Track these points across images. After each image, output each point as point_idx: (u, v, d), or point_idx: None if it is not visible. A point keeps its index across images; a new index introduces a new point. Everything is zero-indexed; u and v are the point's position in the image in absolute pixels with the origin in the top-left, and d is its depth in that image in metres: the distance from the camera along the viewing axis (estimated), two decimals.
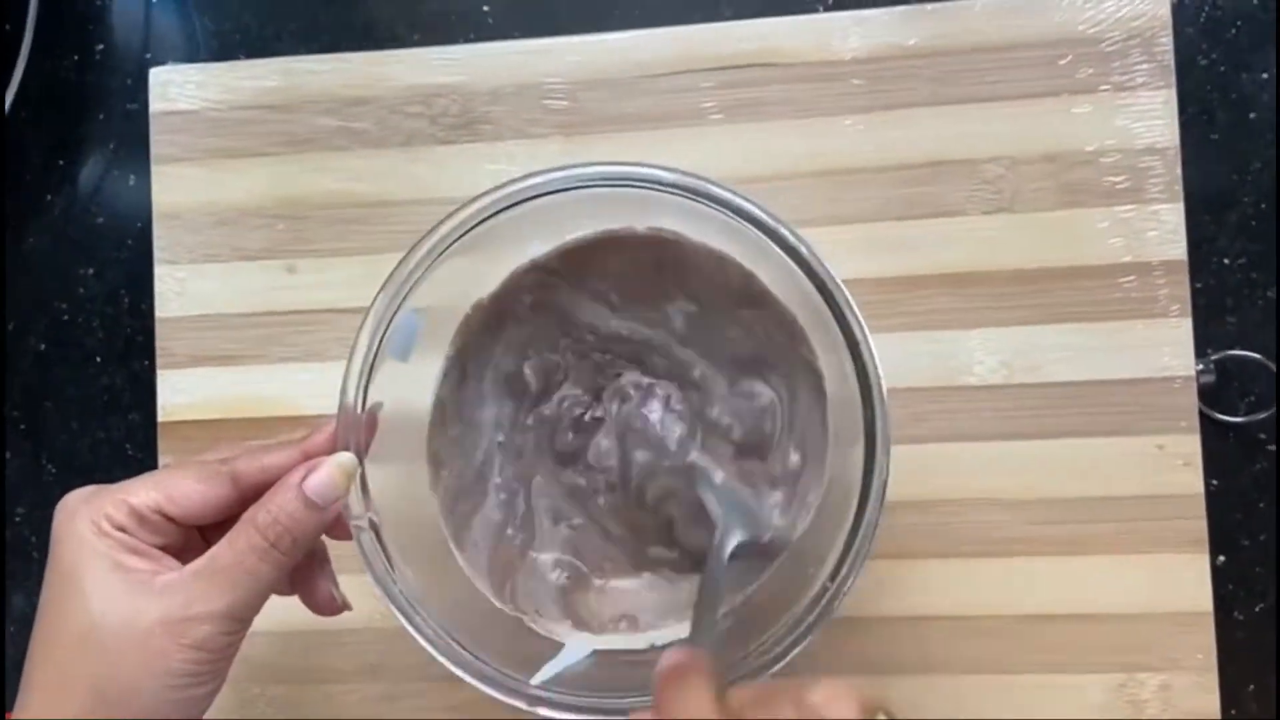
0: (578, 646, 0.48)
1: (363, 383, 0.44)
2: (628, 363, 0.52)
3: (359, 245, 0.57)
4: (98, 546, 0.39)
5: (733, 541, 0.46)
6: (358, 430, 0.43)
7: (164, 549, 0.40)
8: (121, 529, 0.39)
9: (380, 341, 0.44)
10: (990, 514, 0.53)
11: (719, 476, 0.50)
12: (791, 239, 0.42)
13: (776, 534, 0.49)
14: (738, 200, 0.43)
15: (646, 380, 0.52)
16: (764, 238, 0.43)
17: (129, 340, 0.60)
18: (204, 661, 0.39)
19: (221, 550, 0.40)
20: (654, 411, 0.51)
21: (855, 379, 0.42)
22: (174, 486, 0.40)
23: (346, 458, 0.42)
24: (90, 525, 0.39)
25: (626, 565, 0.52)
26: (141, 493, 0.40)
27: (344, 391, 0.43)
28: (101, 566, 0.38)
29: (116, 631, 0.38)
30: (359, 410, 0.43)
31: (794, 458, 0.50)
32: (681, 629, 0.49)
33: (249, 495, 0.41)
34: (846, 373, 0.42)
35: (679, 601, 0.51)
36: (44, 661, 0.39)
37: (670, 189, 0.43)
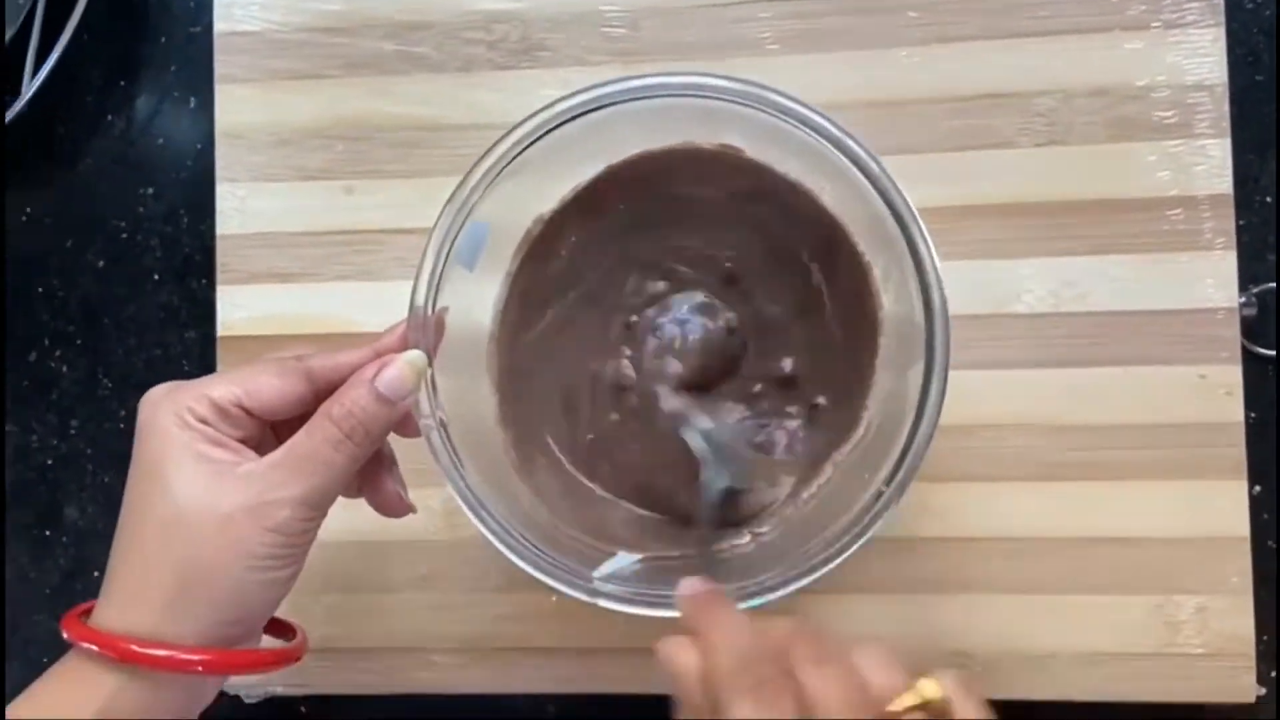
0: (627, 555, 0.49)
1: (432, 287, 0.45)
2: (685, 280, 0.53)
3: (416, 168, 0.58)
4: (180, 438, 0.40)
5: (717, 485, 0.48)
6: (427, 332, 0.44)
7: (243, 442, 0.41)
8: (203, 421, 0.40)
9: (449, 250, 0.45)
10: (1034, 439, 0.54)
11: (704, 422, 0.51)
12: (862, 153, 0.43)
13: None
14: (807, 112, 0.44)
15: (698, 298, 0.53)
16: (834, 151, 0.44)
17: (187, 259, 0.61)
18: (282, 545, 0.40)
19: (299, 440, 0.41)
20: (694, 329, 0.52)
21: (919, 295, 0.43)
22: (252, 381, 0.42)
23: (417, 355, 0.43)
24: (173, 418, 0.40)
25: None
26: (222, 387, 0.41)
27: (414, 294, 0.44)
28: (185, 457, 0.40)
29: (199, 517, 0.39)
30: (428, 313, 0.44)
31: (821, 400, 0.51)
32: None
33: (323, 391, 0.43)
34: (910, 294, 0.43)
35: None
36: (129, 549, 0.40)
37: (738, 98, 0.44)
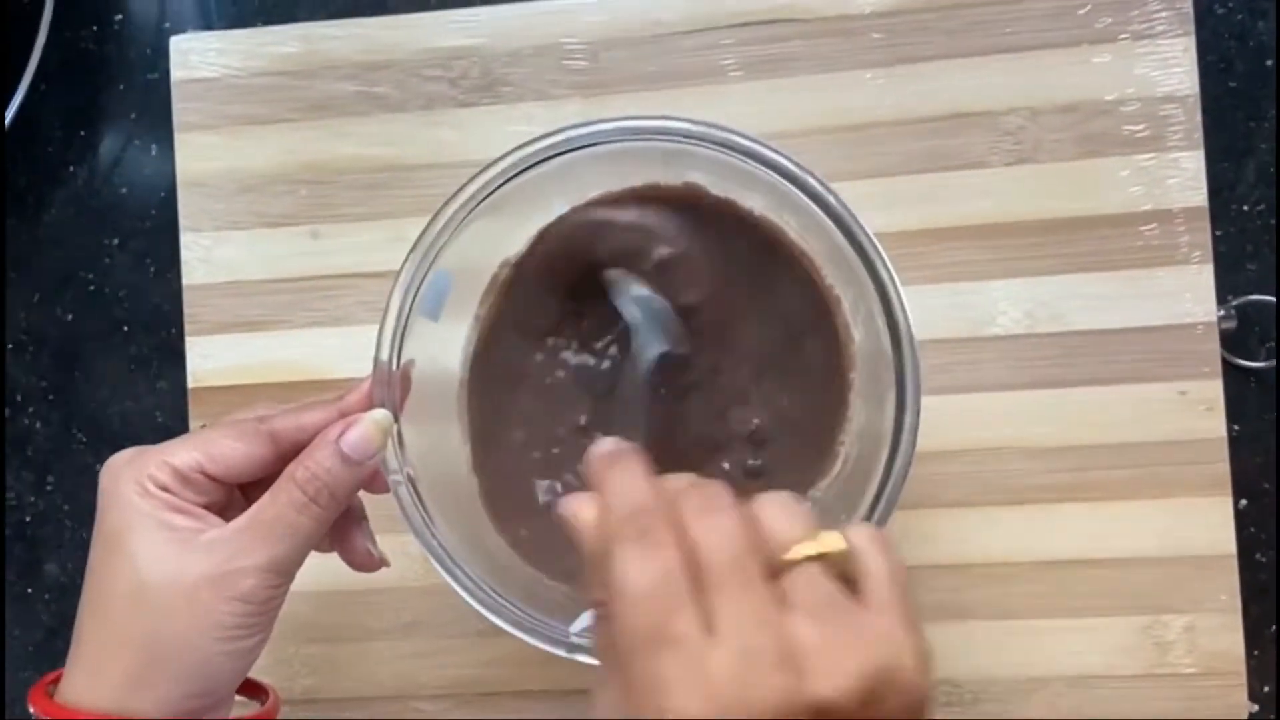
0: None
1: (396, 341, 0.44)
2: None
3: (381, 209, 0.57)
4: (142, 507, 0.40)
5: (651, 352, 0.47)
6: (392, 387, 0.44)
7: (206, 507, 0.41)
8: (165, 489, 0.40)
9: (412, 301, 0.44)
10: (1015, 462, 0.53)
11: (636, 288, 0.49)
12: (819, 187, 0.43)
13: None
14: (765, 151, 0.43)
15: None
16: (792, 188, 0.43)
17: (156, 309, 0.60)
18: (249, 614, 0.40)
19: (263, 505, 0.40)
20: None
21: (886, 329, 0.43)
22: (214, 446, 0.41)
23: (382, 414, 0.43)
24: (135, 486, 0.40)
25: None
26: (183, 453, 0.41)
27: (378, 349, 0.44)
28: (147, 526, 0.39)
29: (163, 588, 0.39)
30: (393, 368, 0.44)
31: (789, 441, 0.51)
32: None
33: (287, 453, 0.42)
34: (878, 325, 0.43)
35: None
36: (94, 622, 0.40)
37: (697, 141, 0.43)
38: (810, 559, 0.32)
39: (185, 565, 0.39)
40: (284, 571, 0.41)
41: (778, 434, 0.50)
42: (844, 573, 0.33)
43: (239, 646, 0.40)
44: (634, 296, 0.48)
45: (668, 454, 0.45)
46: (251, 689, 0.46)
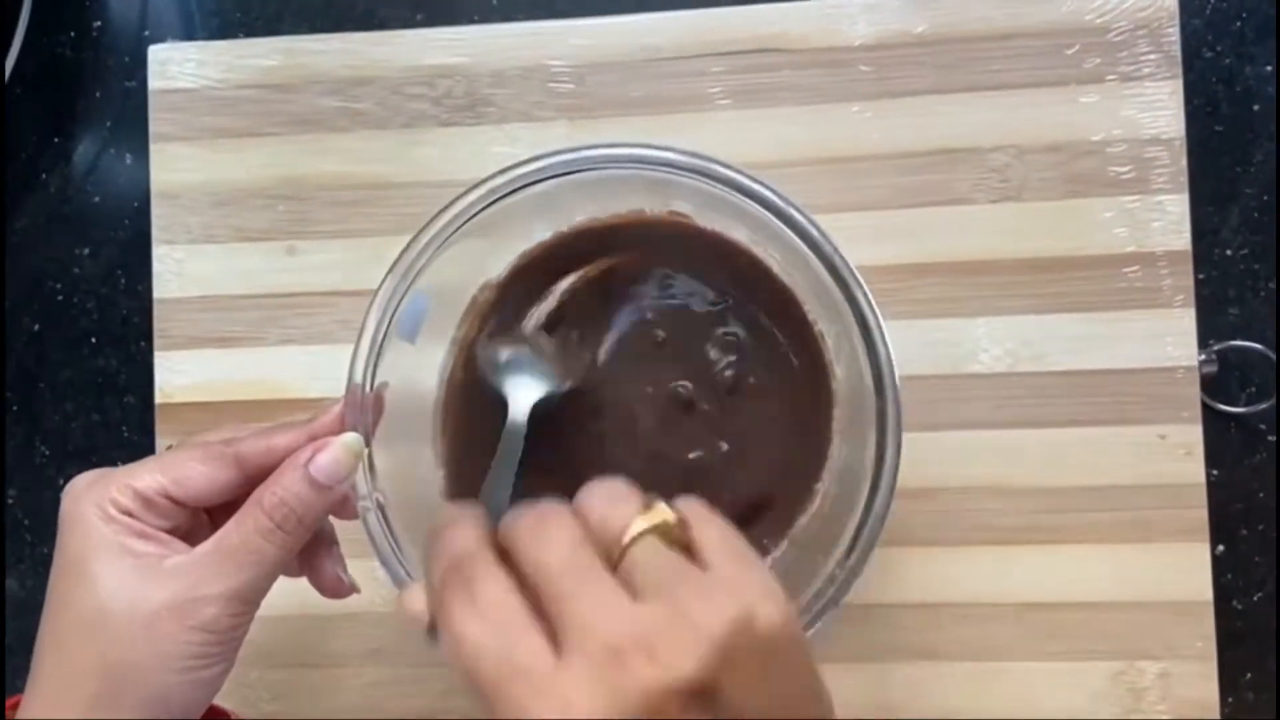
0: None
1: (371, 363, 0.43)
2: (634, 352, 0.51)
3: (360, 227, 0.56)
4: (104, 532, 0.38)
5: (528, 399, 0.46)
6: (365, 411, 0.43)
7: (171, 532, 0.40)
8: (128, 513, 0.39)
9: (389, 323, 0.43)
10: (993, 502, 0.53)
11: (504, 354, 0.49)
12: (803, 221, 0.42)
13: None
14: (749, 182, 0.42)
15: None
16: (775, 220, 0.42)
17: (125, 321, 0.59)
18: (211, 643, 0.38)
19: (228, 532, 0.39)
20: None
21: (868, 365, 0.42)
22: (179, 469, 0.40)
23: (353, 438, 0.42)
24: (96, 511, 0.39)
25: None
26: (146, 476, 0.40)
27: (351, 371, 0.43)
28: (108, 552, 0.38)
29: (124, 616, 0.38)
30: (366, 390, 0.43)
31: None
32: None
33: (254, 477, 0.41)
34: (860, 361, 0.42)
35: None
36: (53, 649, 0.39)
37: (682, 171, 0.43)
38: (643, 534, 0.32)
39: (146, 592, 0.38)
40: (248, 600, 0.39)
41: (756, 468, 0.49)
42: (680, 544, 0.32)
43: (201, 676, 0.39)
44: (501, 363, 0.48)
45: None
46: (214, 714, 0.45)
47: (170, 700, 0.38)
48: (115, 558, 0.38)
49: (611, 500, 0.33)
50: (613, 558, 0.31)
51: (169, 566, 0.38)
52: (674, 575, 0.31)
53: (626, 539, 0.31)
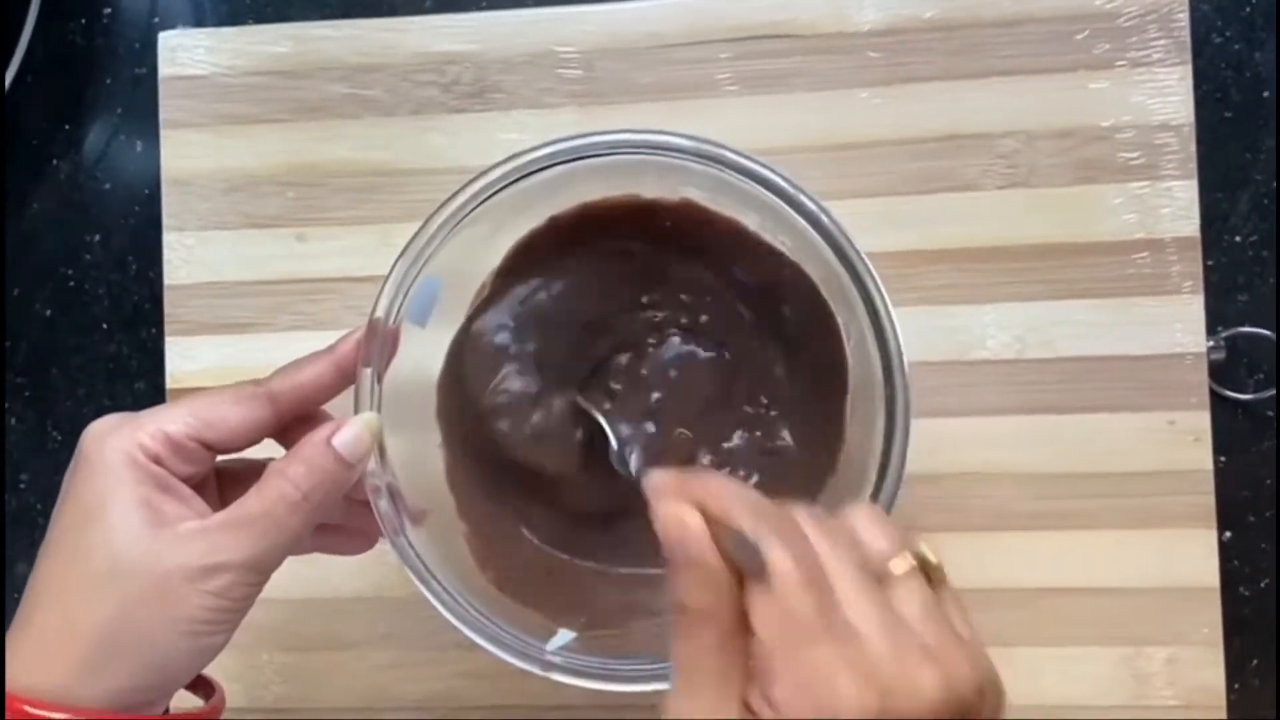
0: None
1: (398, 300, 0.43)
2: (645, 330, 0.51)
3: (370, 214, 0.57)
4: (127, 479, 0.37)
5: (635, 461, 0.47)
6: (384, 345, 0.43)
7: (192, 481, 0.39)
8: (156, 459, 0.38)
9: (400, 304, 0.44)
10: (1001, 488, 0.53)
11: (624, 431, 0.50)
12: (813, 207, 0.42)
13: None
14: (759, 168, 0.43)
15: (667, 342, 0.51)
16: (786, 207, 0.43)
17: (136, 307, 0.60)
18: (222, 610, 0.38)
19: (250, 500, 0.39)
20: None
21: (877, 352, 0.42)
22: (211, 411, 0.40)
23: (371, 416, 0.42)
24: (122, 455, 0.38)
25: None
26: (178, 420, 0.39)
27: (376, 304, 0.43)
28: (128, 502, 0.37)
29: (135, 574, 0.37)
30: (388, 325, 0.43)
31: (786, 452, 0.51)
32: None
33: (286, 415, 0.41)
34: (869, 348, 0.42)
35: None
36: (51, 596, 0.38)
37: (692, 157, 0.43)
38: (910, 570, 0.33)
39: (162, 552, 0.37)
40: (264, 570, 0.39)
41: (776, 452, 0.50)
42: (934, 581, 0.34)
43: (204, 643, 0.38)
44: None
45: None
46: (195, 683, 0.44)
47: (168, 665, 0.38)
48: (133, 509, 0.37)
49: (881, 526, 0.34)
50: (877, 579, 0.33)
51: (186, 529, 0.38)
52: (935, 620, 0.32)
53: (895, 569, 0.33)
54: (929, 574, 0.34)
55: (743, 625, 0.33)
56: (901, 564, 0.33)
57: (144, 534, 0.37)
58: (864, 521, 0.34)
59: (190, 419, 0.39)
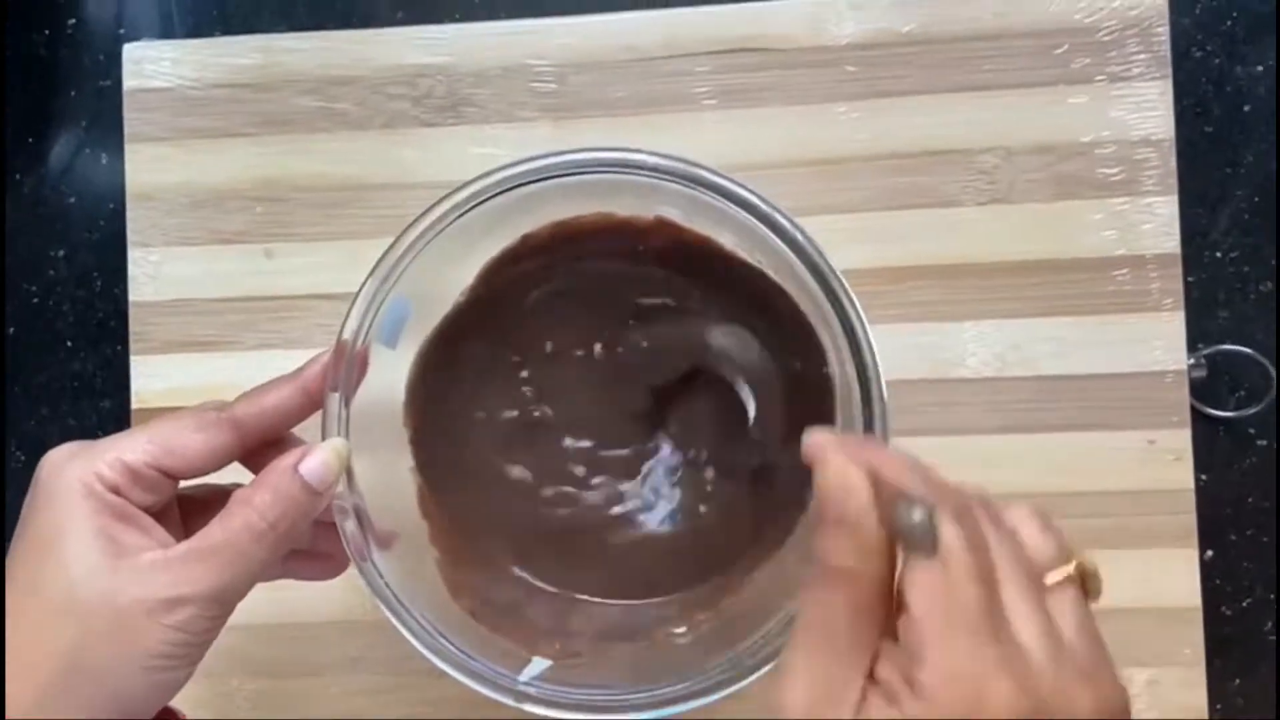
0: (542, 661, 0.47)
1: (366, 320, 0.42)
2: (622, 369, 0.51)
3: (339, 229, 0.55)
4: (83, 509, 0.36)
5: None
6: (350, 368, 0.41)
7: (153, 509, 0.38)
8: (115, 489, 0.37)
9: (370, 325, 0.43)
10: None
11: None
12: (789, 228, 0.41)
13: None
14: (735, 188, 0.42)
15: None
16: (761, 226, 0.42)
17: (101, 324, 0.58)
18: (183, 644, 0.37)
19: (213, 530, 0.38)
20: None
21: (854, 373, 0.41)
22: (172, 438, 0.38)
23: (339, 442, 0.41)
24: (79, 485, 0.37)
25: None
26: (136, 447, 0.38)
27: (344, 324, 0.42)
28: (85, 533, 0.36)
29: (92, 607, 0.36)
30: (355, 347, 0.42)
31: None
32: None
33: (250, 441, 0.40)
34: (847, 372, 0.42)
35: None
36: (9, 631, 0.36)
37: (667, 176, 0.42)
38: (1068, 580, 0.32)
39: (121, 584, 0.36)
40: (227, 602, 0.38)
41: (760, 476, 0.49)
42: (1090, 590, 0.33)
43: (164, 678, 0.37)
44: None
45: None
46: (164, 714, 0.42)
47: (125, 700, 0.37)
48: (91, 540, 0.36)
49: (1045, 530, 0.34)
50: (1035, 580, 0.32)
51: (148, 561, 0.36)
52: (1091, 636, 0.32)
53: (1054, 578, 0.32)
54: (1086, 586, 0.33)
55: (884, 598, 0.32)
56: (1061, 573, 0.32)
57: (102, 566, 0.36)
58: (1028, 521, 0.34)
59: (149, 446, 0.38)
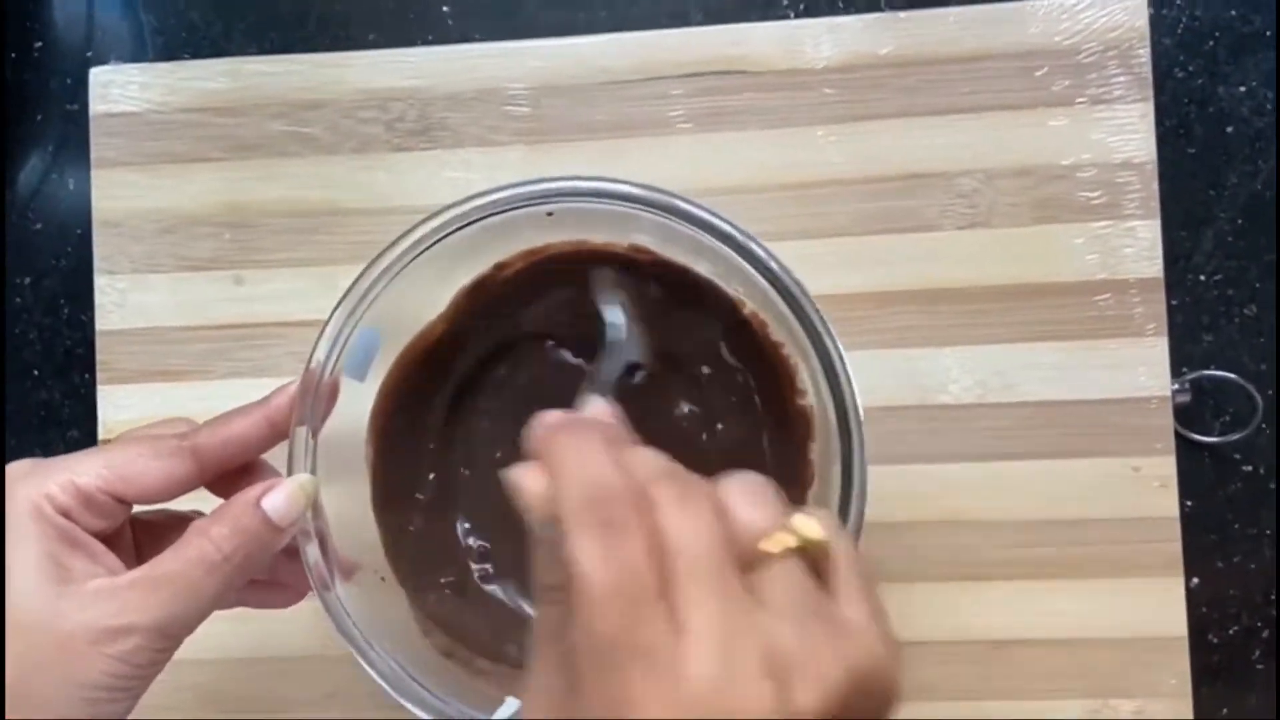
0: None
1: (335, 348, 0.41)
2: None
3: (310, 256, 0.54)
4: (32, 532, 0.36)
5: (622, 359, 0.45)
6: (318, 399, 0.41)
7: (104, 534, 0.37)
8: (65, 512, 0.36)
9: (337, 357, 0.42)
10: (962, 536, 0.51)
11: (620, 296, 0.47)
12: (765, 258, 0.41)
13: None
14: (705, 215, 0.41)
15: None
16: (736, 257, 0.41)
17: (68, 353, 0.57)
18: (125, 676, 0.36)
19: (166, 559, 0.37)
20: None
21: (831, 404, 0.41)
22: (128, 465, 0.37)
23: (307, 479, 0.40)
24: (28, 505, 0.36)
25: None
26: (91, 471, 0.37)
27: (313, 353, 0.41)
28: (32, 556, 0.35)
29: (34, 633, 0.35)
30: (323, 377, 0.41)
31: None
32: None
33: (210, 471, 0.39)
34: (824, 401, 0.41)
35: None
36: None
37: (641, 205, 0.41)
38: (787, 551, 0.29)
39: (65, 610, 0.35)
40: (173, 635, 0.37)
41: None
42: (813, 562, 0.30)
43: (104, 710, 0.36)
44: (620, 303, 0.46)
45: None
46: None
47: None
48: (37, 564, 0.35)
49: (758, 501, 0.30)
50: (745, 560, 0.29)
51: (93, 588, 0.36)
52: (808, 605, 0.28)
53: (769, 548, 0.29)
54: (815, 552, 0.29)
55: None
56: (777, 542, 0.29)
57: (46, 591, 0.35)
58: (738, 494, 0.30)
59: (104, 471, 0.37)
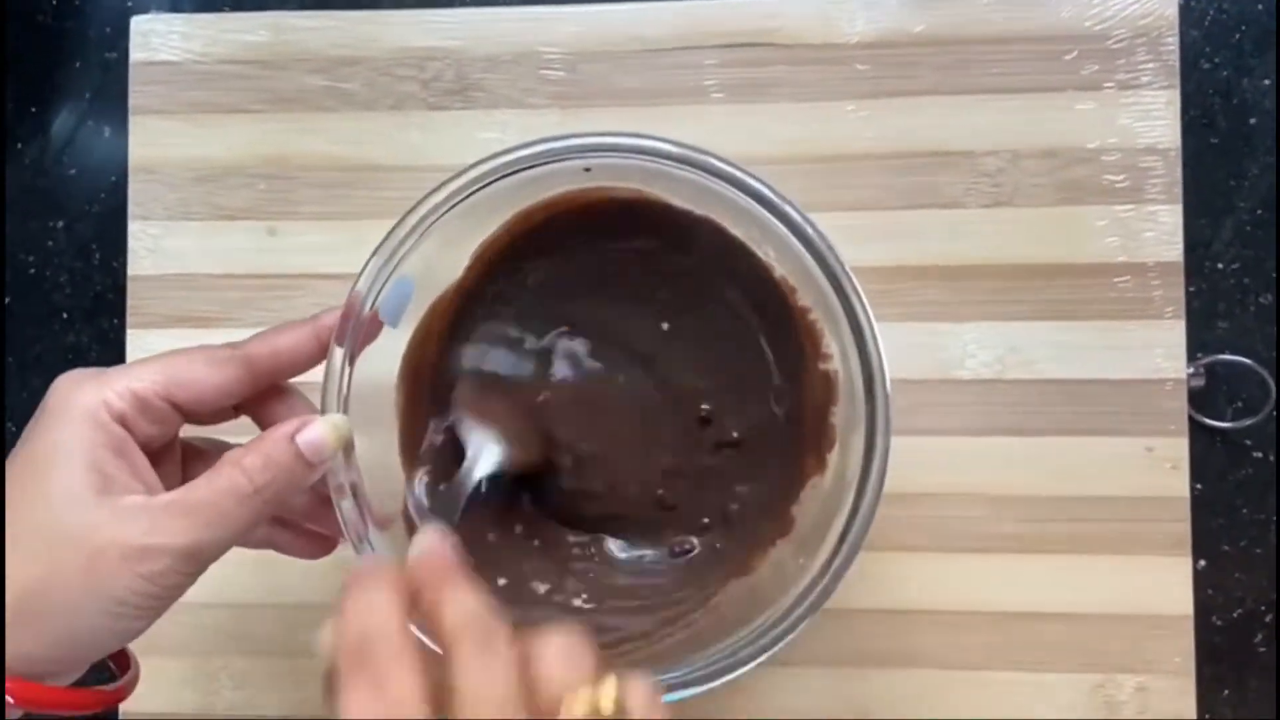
0: None
1: (382, 277, 0.42)
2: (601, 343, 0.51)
3: (344, 210, 0.55)
4: (84, 436, 0.36)
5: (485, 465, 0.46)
6: (359, 325, 0.41)
7: (153, 445, 0.38)
8: (121, 418, 0.37)
9: (373, 302, 0.42)
10: (975, 509, 0.52)
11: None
12: (799, 219, 0.41)
13: None
14: (743, 176, 0.42)
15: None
16: (771, 218, 0.42)
17: (98, 297, 0.58)
18: (150, 595, 0.36)
19: (199, 486, 0.37)
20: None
21: (859, 368, 0.41)
22: (184, 370, 0.38)
23: (340, 419, 0.40)
24: (83, 410, 0.36)
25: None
26: (146, 377, 0.37)
27: (358, 279, 0.41)
28: (79, 462, 0.36)
29: (69, 540, 0.35)
30: (367, 303, 0.41)
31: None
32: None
33: (261, 380, 0.40)
34: (851, 367, 0.42)
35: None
36: None
37: (672, 161, 0.42)
38: (593, 710, 0.29)
39: (100, 523, 0.35)
40: (202, 560, 0.37)
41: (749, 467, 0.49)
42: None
43: (125, 626, 0.36)
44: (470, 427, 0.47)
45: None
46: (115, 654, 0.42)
47: (83, 640, 0.36)
48: (81, 472, 0.35)
49: (566, 661, 0.31)
50: (540, 713, 0.29)
51: (129, 504, 0.36)
52: None
53: (566, 714, 0.29)
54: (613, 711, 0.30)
55: None
56: (571, 710, 0.29)
57: (85, 500, 0.35)
58: (549, 649, 0.31)
59: (160, 377, 0.38)
